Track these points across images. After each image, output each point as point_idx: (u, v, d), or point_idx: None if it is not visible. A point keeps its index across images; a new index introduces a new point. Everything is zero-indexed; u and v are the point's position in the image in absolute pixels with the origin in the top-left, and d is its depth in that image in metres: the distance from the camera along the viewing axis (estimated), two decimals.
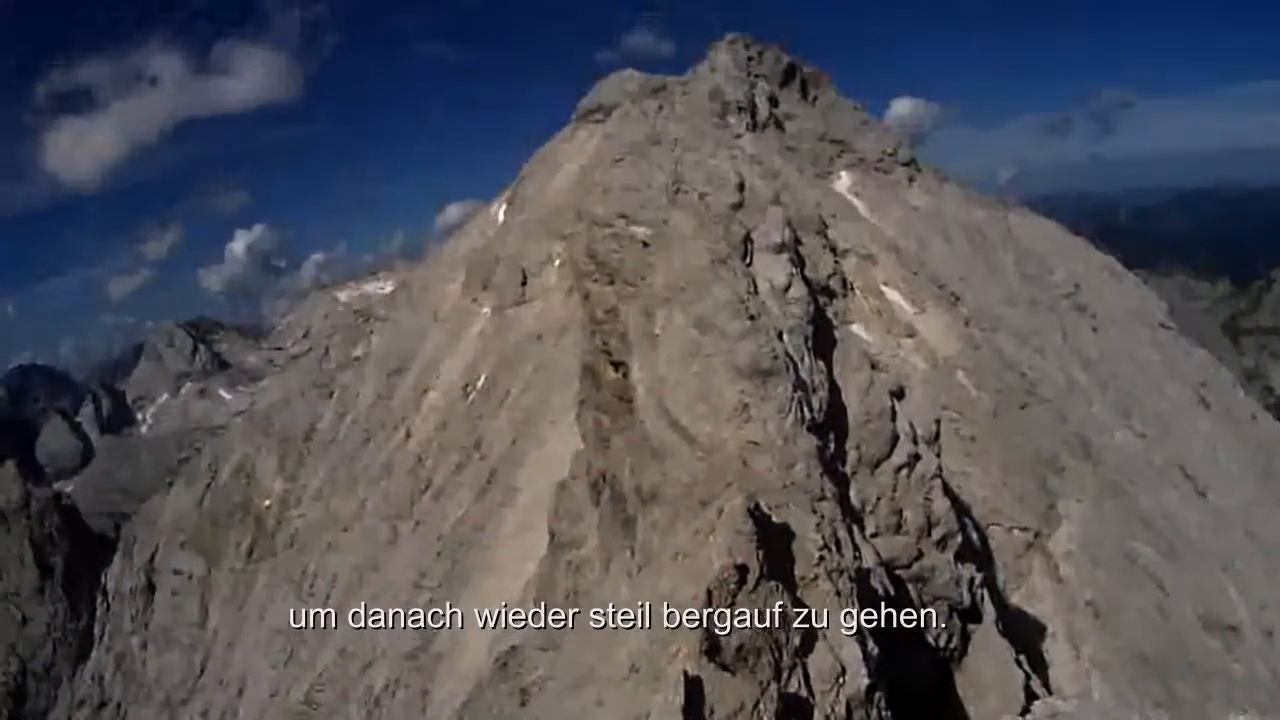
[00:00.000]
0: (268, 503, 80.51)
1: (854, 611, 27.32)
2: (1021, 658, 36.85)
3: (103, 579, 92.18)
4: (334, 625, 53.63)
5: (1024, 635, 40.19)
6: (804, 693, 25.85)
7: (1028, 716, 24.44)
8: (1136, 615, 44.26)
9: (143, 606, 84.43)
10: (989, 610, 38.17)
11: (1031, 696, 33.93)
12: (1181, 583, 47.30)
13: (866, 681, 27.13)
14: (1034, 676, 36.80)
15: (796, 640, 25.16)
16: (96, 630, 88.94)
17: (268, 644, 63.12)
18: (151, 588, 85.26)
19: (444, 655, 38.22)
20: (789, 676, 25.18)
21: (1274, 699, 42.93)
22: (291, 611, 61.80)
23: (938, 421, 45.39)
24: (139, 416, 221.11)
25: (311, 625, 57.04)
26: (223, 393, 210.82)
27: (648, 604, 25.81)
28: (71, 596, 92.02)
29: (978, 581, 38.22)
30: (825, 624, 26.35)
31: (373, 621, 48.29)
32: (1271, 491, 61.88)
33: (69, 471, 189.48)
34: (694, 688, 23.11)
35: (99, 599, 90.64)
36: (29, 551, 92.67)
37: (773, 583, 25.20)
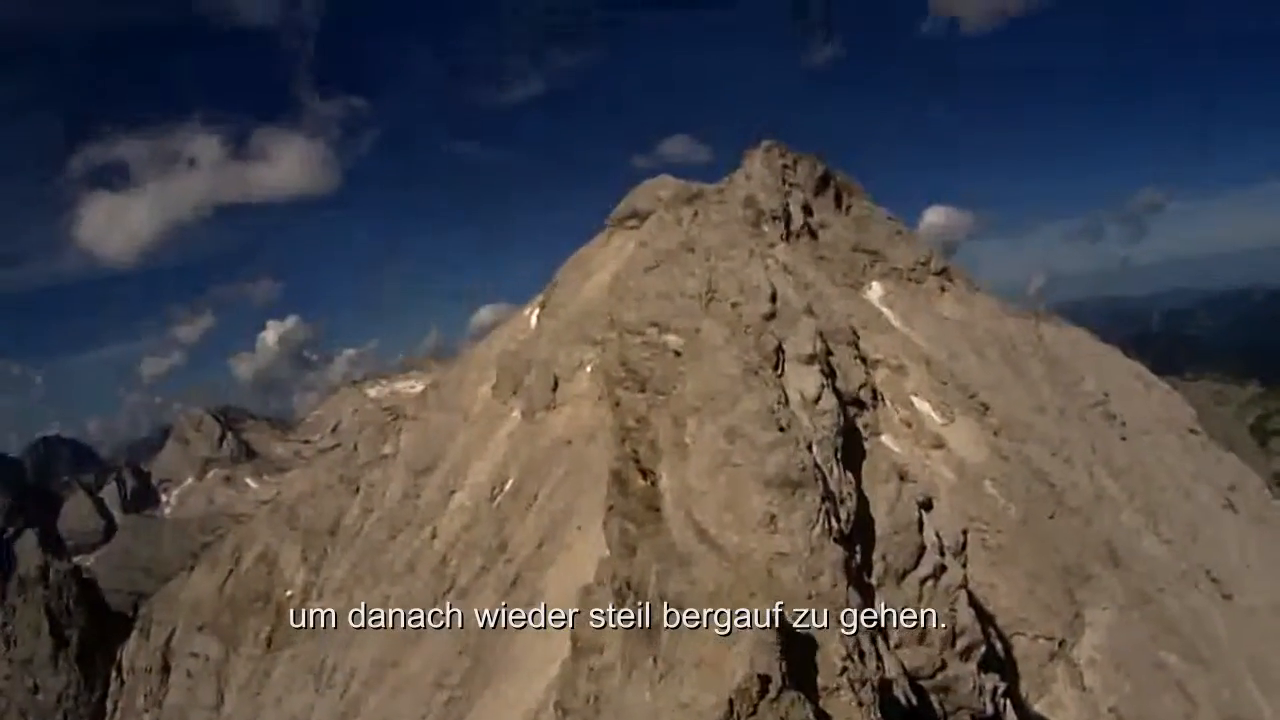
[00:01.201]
0: (290, 593, 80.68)
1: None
2: None
3: (118, 655, 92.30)
4: (351, 718, 53.60)
5: None
6: None
7: None
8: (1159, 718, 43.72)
9: (157, 686, 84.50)
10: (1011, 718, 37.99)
11: None
12: (1207, 688, 46.67)
13: None
14: None
15: None
16: (109, 705, 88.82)
17: None
18: (167, 668, 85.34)
19: None
20: None
21: None
22: (310, 703, 61.74)
23: (964, 532, 45.58)
24: (163, 498, 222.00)
25: (328, 717, 56.99)
26: (249, 481, 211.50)
27: (670, 712, 25.93)
28: (85, 669, 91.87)
29: (1001, 691, 38.09)
30: None
31: (391, 715, 48.25)
32: None
33: (89, 546, 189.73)
34: None
35: (114, 675, 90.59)
36: (45, 621, 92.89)
37: (795, 693, 25.35)
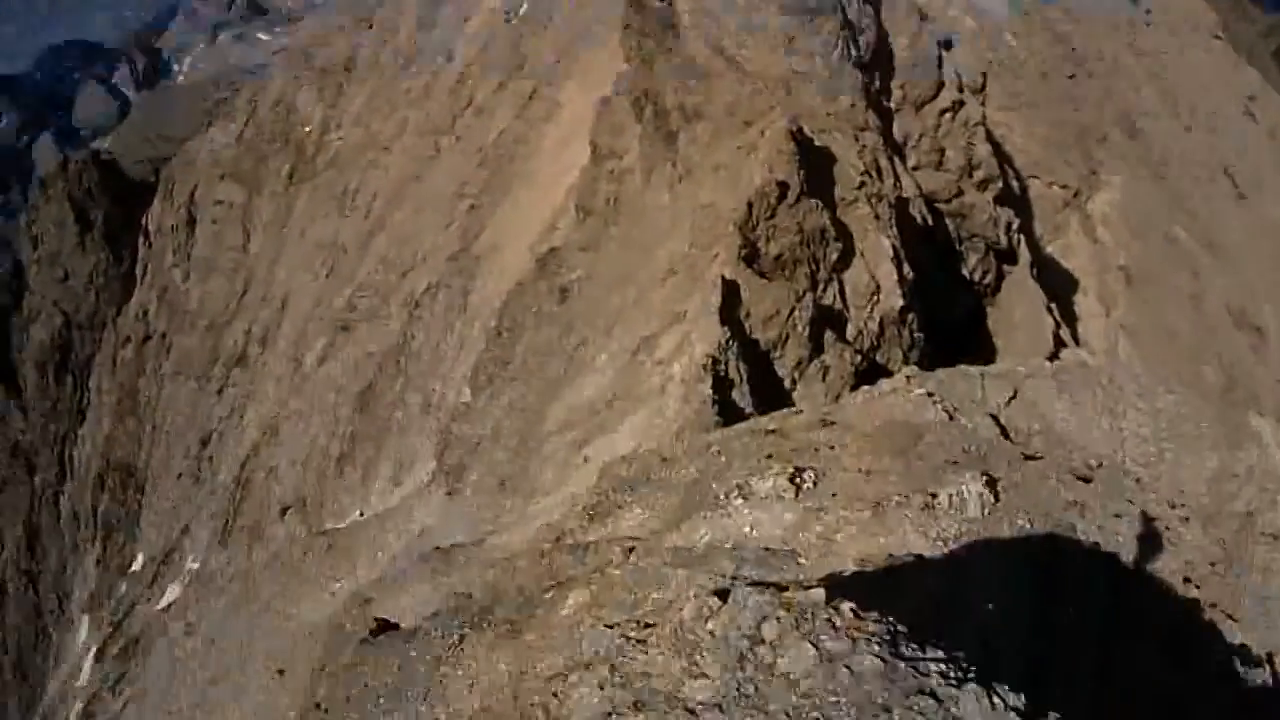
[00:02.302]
0: (308, 129, 79.69)
1: (892, 235, 28.40)
2: (1052, 306, 38.18)
3: (144, 221, 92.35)
4: (375, 236, 54.99)
5: (1056, 286, 40.94)
6: (839, 306, 27.35)
7: (1057, 361, 25.84)
8: (1169, 292, 44.41)
9: (184, 240, 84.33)
10: (1024, 255, 39.06)
11: (1060, 344, 35.63)
12: (1216, 274, 47.00)
13: (900, 302, 28.53)
14: (1064, 326, 38.24)
15: (834, 255, 26.38)
16: (139, 271, 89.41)
17: (310, 259, 64.13)
18: (192, 222, 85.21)
19: (484, 257, 39.47)
20: (825, 289, 26.56)
21: None
22: (335, 228, 62.86)
23: (984, 75, 44.74)
24: (175, 68, 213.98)
25: (353, 238, 58.32)
26: (260, 35, 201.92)
27: (689, 214, 26.79)
28: (113, 246, 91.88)
29: (1015, 226, 38.94)
30: (863, 244, 27.51)
31: (414, 229, 49.36)
32: None
33: (107, 130, 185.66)
34: (731, 290, 24.49)
35: (140, 241, 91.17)
36: (69, 212, 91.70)
37: (813, 200, 26.09)
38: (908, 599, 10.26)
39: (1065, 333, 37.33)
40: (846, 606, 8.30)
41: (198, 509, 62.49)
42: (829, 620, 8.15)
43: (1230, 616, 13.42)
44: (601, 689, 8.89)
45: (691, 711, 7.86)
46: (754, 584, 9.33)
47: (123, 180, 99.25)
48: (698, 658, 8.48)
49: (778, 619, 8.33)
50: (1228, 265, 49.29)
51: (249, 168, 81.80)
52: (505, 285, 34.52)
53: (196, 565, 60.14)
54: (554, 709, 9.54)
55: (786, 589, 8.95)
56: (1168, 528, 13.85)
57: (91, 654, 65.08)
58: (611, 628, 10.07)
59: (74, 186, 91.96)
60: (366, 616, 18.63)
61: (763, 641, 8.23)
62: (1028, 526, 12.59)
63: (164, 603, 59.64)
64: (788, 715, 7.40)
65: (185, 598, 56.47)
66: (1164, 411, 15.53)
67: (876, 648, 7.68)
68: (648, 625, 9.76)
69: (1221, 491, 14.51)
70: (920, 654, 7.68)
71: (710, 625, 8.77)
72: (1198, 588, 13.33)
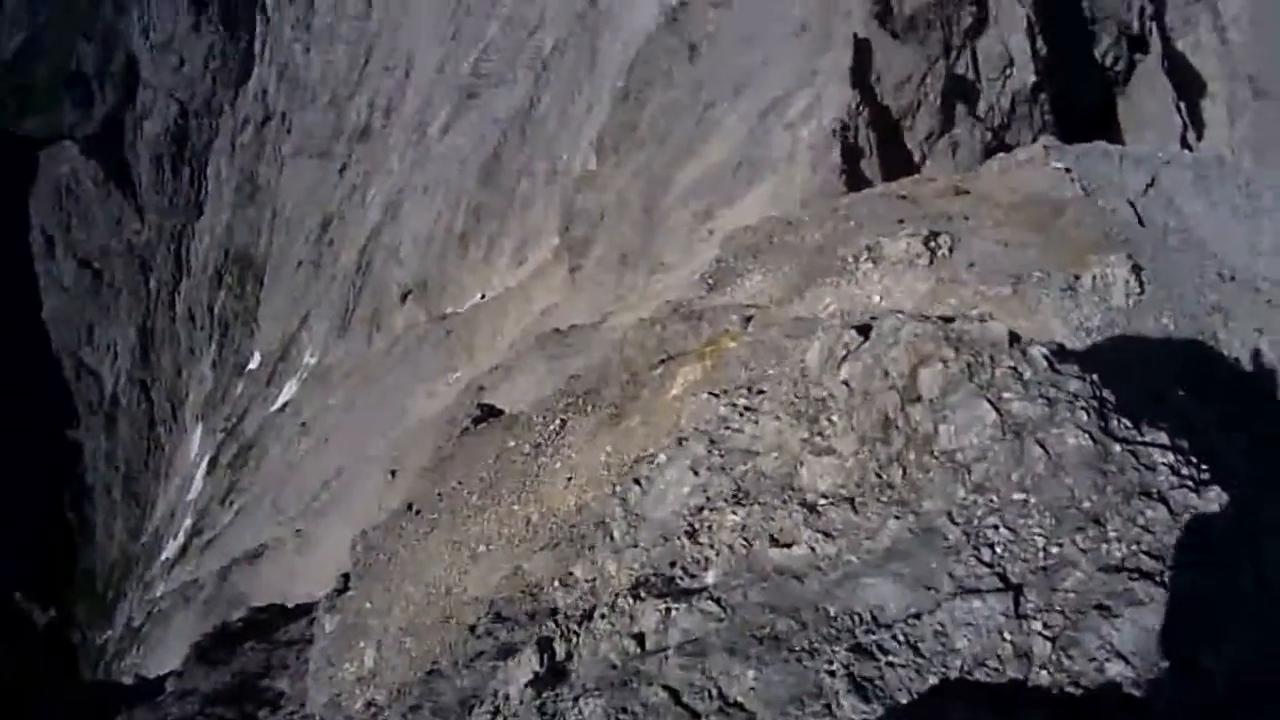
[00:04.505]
0: None
1: (1027, 4, 26.82)
2: (1181, 105, 36.11)
3: None
4: None
5: (1185, 86, 38.83)
6: (971, 76, 26.20)
7: (1196, 154, 24.24)
8: None
9: (304, 11, 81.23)
10: (1156, 45, 36.95)
11: (1186, 146, 33.66)
12: None
13: (1034, 78, 27.29)
14: (1191, 128, 36.19)
15: (968, 19, 25.11)
16: (257, 49, 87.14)
17: (435, 22, 62.25)
18: None
19: (612, 12, 38.11)
20: (958, 57, 25.43)
21: None
22: None
23: None
24: None
25: None
26: None
27: None
28: (229, 26, 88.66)
29: (1149, 12, 36.70)
30: (997, 9, 26.03)
31: None
32: None
33: None
34: (863, 50, 23.58)
35: (258, 17, 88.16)
36: None
37: None
38: None
39: (1193, 135, 35.34)
40: (1038, 351, 5.85)
41: (317, 299, 63.24)
42: (1014, 370, 5.69)
43: None
44: (695, 473, 6.67)
45: (810, 507, 5.74)
46: (907, 314, 6.70)
47: None
48: (824, 423, 6.26)
49: (943, 363, 5.89)
50: None
51: None
52: (634, 42, 33.39)
53: (314, 360, 60.86)
54: (634, 500, 7.09)
55: (954, 320, 6.40)
56: None
57: (204, 465, 67.10)
58: (717, 396, 7.69)
59: None
60: (477, 406, 17.22)
61: (918, 399, 5.86)
62: (1172, 327, 11.34)
63: (279, 403, 60.94)
64: (951, 520, 5.13)
65: (301, 395, 57.74)
66: None
67: (1084, 417, 5.28)
68: (760, 392, 7.28)
69: None
70: (1138, 436, 5.25)
71: (844, 372, 6.38)
72: None
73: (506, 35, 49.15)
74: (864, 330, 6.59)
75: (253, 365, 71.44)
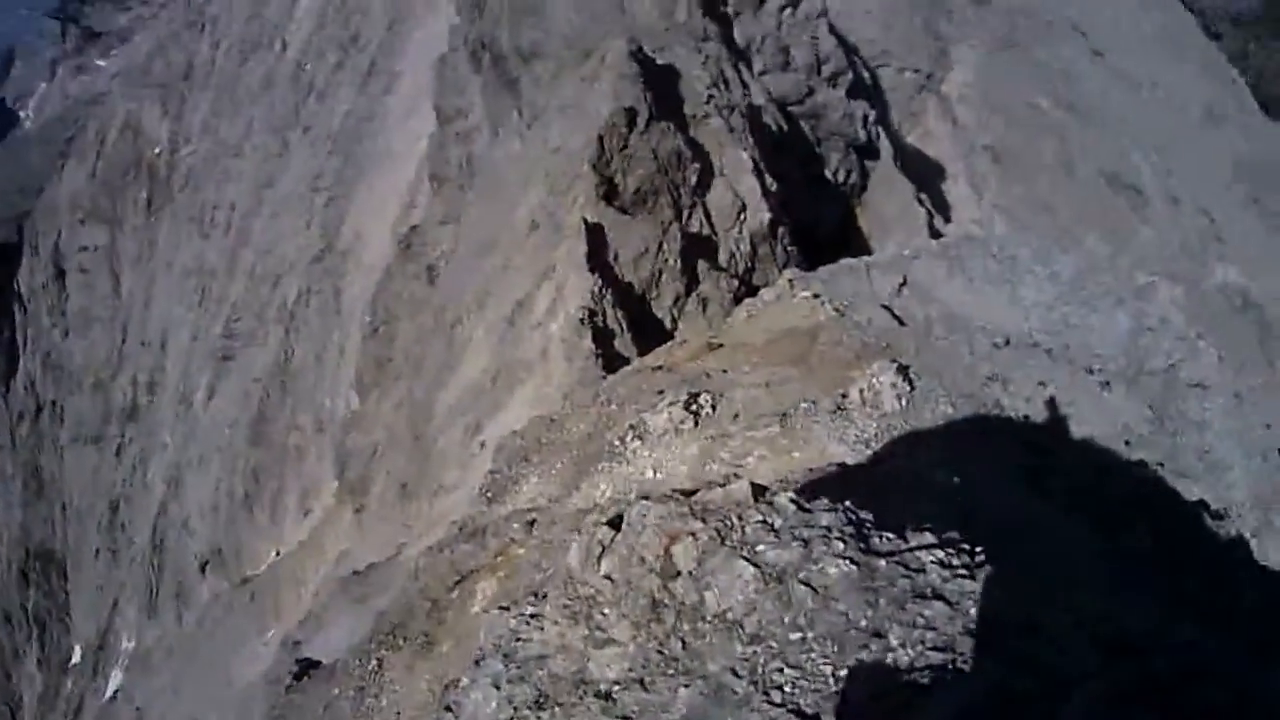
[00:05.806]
0: (157, 150, 76.77)
1: (749, 147, 26.97)
2: (923, 196, 37.24)
3: (15, 285, 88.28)
4: (240, 251, 52.72)
5: (923, 176, 40.09)
6: (706, 230, 25.95)
7: (943, 239, 24.68)
8: (1038, 165, 43.47)
9: (57, 295, 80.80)
10: (886, 147, 38.18)
11: (935, 235, 34.55)
12: (1084, 138, 46.23)
13: (768, 216, 27.23)
14: (936, 215, 37.34)
15: (693, 178, 24.84)
16: (19, 340, 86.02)
17: (180, 289, 61.96)
18: (62, 274, 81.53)
19: (349, 251, 37.71)
20: (690, 215, 25.08)
21: (1182, 265, 42.66)
22: (199, 251, 60.68)
23: None
24: (21, 115, 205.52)
25: (219, 258, 56.08)
26: (99, 62, 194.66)
27: (541, 159, 25.17)
28: None
29: (872, 119, 37.93)
30: (721, 161, 26.05)
31: (276, 235, 47.33)
32: (1173, 58, 59.26)
33: None
34: (595, 233, 22.94)
35: (15, 307, 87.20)
36: None
37: (663, 123, 24.49)
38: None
39: (939, 222, 36.48)
40: (784, 499, 6.31)
41: (121, 584, 60.07)
42: (763, 522, 6.15)
43: (1182, 474, 12.56)
44: (496, 688, 6.87)
45: (605, 696, 6.00)
46: (652, 498, 7.22)
47: None
48: (599, 617, 6.62)
49: (693, 536, 6.34)
50: (1094, 127, 48.61)
51: (107, 205, 78.54)
52: (374, 276, 32.92)
53: (132, 644, 57.75)
54: None
55: (694, 492, 6.84)
56: (1092, 393, 12.92)
57: None
58: (506, 609, 7.87)
59: None
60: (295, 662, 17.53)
61: (678, 574, 6.28)
62: (950, 411, 11.29)
63: (109, 692, 57.47)
64: (735, 674, 5.37)
65: (129, 681, 54.40)
66: (1062, 274, 14.43)
67: (840, 546, 5.71)
68: (542, 596, 7.59)
69: (1138, 348, 13.41)
70: (903, 545, 5.71)
71: (604, 567, 6.84)
72: (1138, 449, 12.45)
73: (250, 291, 48.14)
74: (615, 523, 7.17)
75: (75, 659, 67.05)
